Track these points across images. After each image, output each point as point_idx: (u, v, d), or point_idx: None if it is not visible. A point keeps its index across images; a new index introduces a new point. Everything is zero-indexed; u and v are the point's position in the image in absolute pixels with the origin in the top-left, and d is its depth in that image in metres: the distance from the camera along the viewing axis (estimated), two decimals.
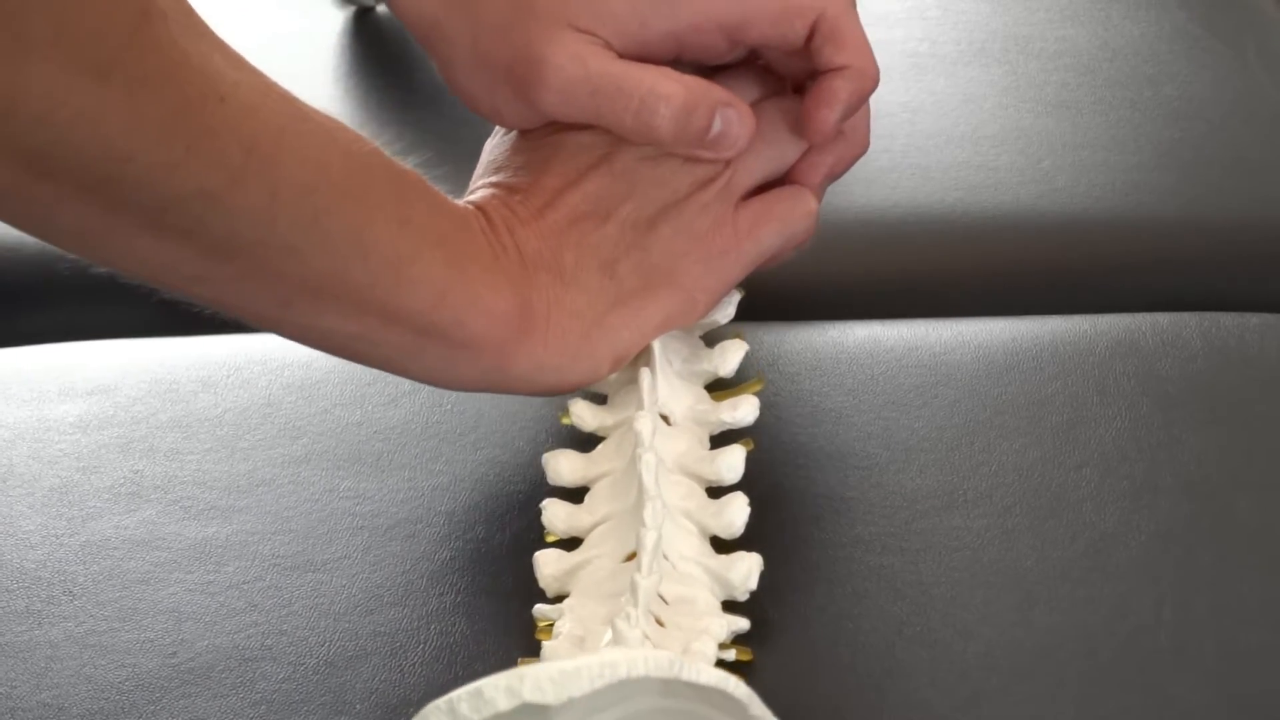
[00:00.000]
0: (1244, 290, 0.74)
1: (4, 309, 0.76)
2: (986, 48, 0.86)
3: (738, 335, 0.60)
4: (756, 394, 0.58)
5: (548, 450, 0.57)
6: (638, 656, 0.39)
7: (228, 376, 0.65)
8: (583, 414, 0.57)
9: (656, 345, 0.57)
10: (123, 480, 0.60)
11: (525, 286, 0.54)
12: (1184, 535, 0.56)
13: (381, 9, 0.92)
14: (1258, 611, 0.53)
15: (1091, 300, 0.71)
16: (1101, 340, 0.64)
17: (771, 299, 0.66)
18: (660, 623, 0.50)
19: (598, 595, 0.51)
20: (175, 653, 0.53)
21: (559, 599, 0.53)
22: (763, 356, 0.64)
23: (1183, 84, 0.83)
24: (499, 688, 0.38)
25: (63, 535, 0.58)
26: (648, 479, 0.52)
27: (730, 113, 0.56)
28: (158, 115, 0.44)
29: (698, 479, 0.55)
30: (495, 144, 0.59)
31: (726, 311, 0.61)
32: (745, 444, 0.56)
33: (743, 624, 0.52)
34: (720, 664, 0.50)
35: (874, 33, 0.88)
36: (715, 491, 0.55)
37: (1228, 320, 0.65)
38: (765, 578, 0.53)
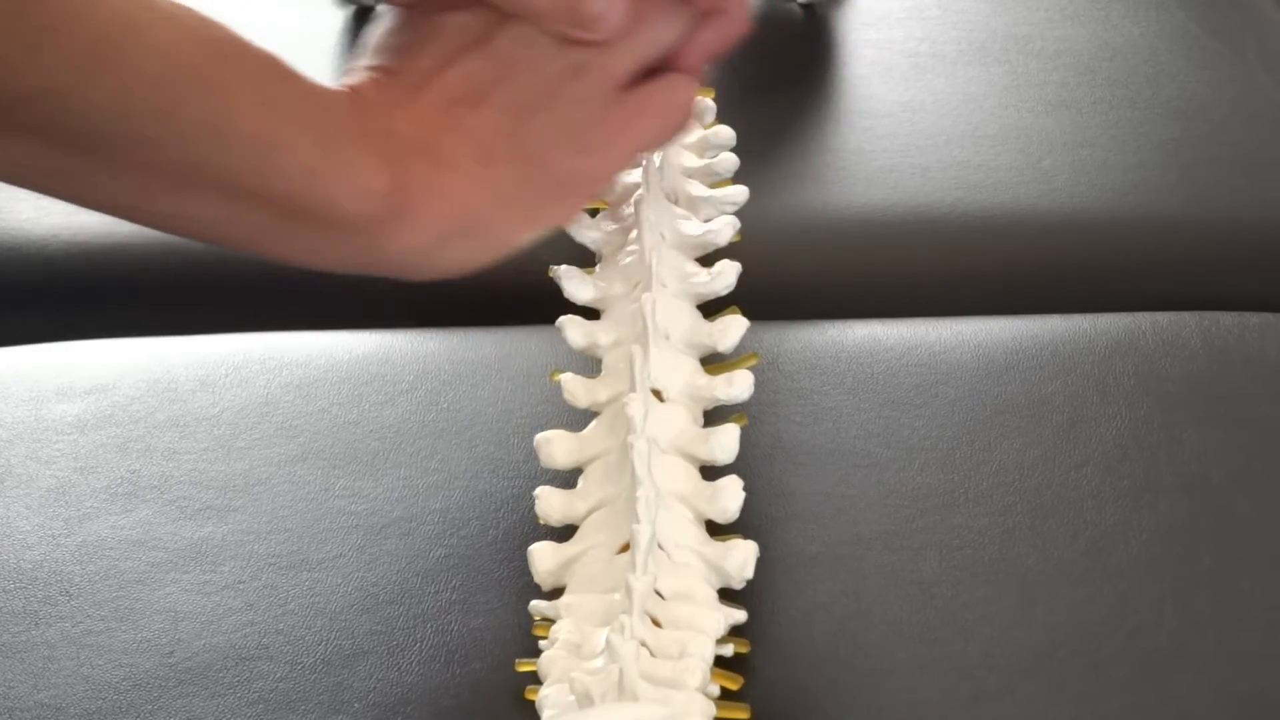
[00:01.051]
0: (1244, 290, 0.74)
1: (2, 309, 0.76)
2: (986, 48, 0.86)
3: (736, 310, 0.59)
4: (751, 369, 0.58)
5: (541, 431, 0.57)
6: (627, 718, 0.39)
7: (225, 376, 0.65)
8: (574, 390, 0.57)
9: (650, 317, 0.57)
10: (120, 480, 0.60)
11: (399, 169, 0.53)
12: (1184, 534, 0.56)
13: (381, 8, 0.91)
14: (1258, 611, 0.53)
15: (1091, 300, 0.71)
16: (1101, 340, 0.64)
17: (771, 298, 0.66)
18: (656, 622, 0.50)
19: (594, 589, 0.51)
20: (172, 652, 0.53)
21: (555, 593, 0.52)
22: (763, 355, 0.64)
23: (1183, 84, 0.83)
24: None
25: (60, 535, 0.58)
26: (640, 467, 0.52)
27: None
28: None
29: (691, 459, 0.55)
30: (379, 25, 0.58)
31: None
32: (739, 420, 0.56)
33: (740, 615, 0.51)
34: (718, 659, 0.50)
35: (874, 33, 0.88)
36: (709, 470, 0.55)
37: (1228, 320, 0.65)
38: (765, 576, 0.53)
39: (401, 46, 0.56)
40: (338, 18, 0.91)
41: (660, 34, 0.58)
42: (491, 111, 0.55)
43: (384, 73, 0.55)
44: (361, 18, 0.91)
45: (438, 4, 0.56)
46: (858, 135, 0.80)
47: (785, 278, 0.73)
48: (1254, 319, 0.66)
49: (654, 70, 0.58)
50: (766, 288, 0.65)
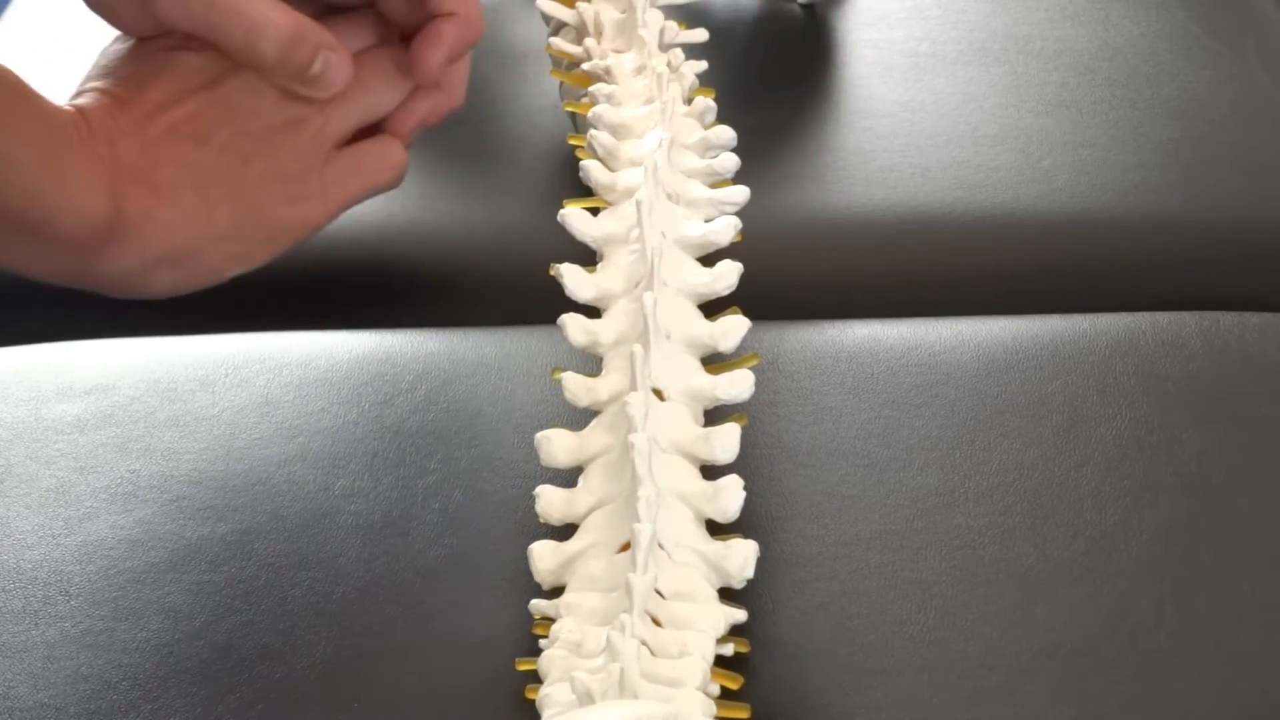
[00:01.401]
0: (1244, 290, 0.74)
1: (3, 309, 0.76)
2: (986, 48, 0.86)
3: (737, 310, 0.59)
4: (752, 369, 0.58)
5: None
6: (630, 716, 0.39)
7: (225, 376, 0.65)
8: (575, 389, 0.57)
9: (651, 316, 0.57)
10: (120, 480, 0.60)
11: (118, 195, 0.55)
12: (1184, 534, 0.56)
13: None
14: (1258, 611, 0.53)
15: (1091, 300, 0.71)
16: (1101, 340, 0.64)
17: (771, 298, 0.66)
18: (657, 621, 0.50)
19: (594, 588, 0.51)
20: (172, 652, 0.53)
21: (556, 592, 0.52)
22: (763, 355, 0.64)
23: (1183, 84, 0.83)
24: None
25: (60, 535, 0.58)
26: (640, 466, 0.52)
27: (332, 57, 0.59)
28: None
29: (692, 458, 0.55)
30: (110, 49, 0.61)
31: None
32: (739, 419, 0.56)
33: (740, 615, 0.51)
34: (719, 658, 0.50)
35: (874, 33, 0.88)
36: (709, 470, 0.55)
37: (1228, 320, 0.65)
38: (765, 576, 0.53)
39: (134, 76, 0.58)
40: None
41: (378, 100, 0.62)
42: (212, 151, 0.58)
43: (113, 99, 0.58)
44: None
45: (174, 41, 0.59)
46: (858, 135, 0.80)
47: (785, 278, 0.73)
48: (1254, 319, 0.66)
49: (368, 129, 0.62)
50: (766, 288, 0.65)
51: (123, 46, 0.60)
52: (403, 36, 0.62)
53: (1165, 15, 0.88)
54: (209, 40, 0.58)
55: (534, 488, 0.55)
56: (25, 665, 0.53)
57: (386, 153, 0.62)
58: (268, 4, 0.58)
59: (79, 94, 0.58)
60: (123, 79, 0.58)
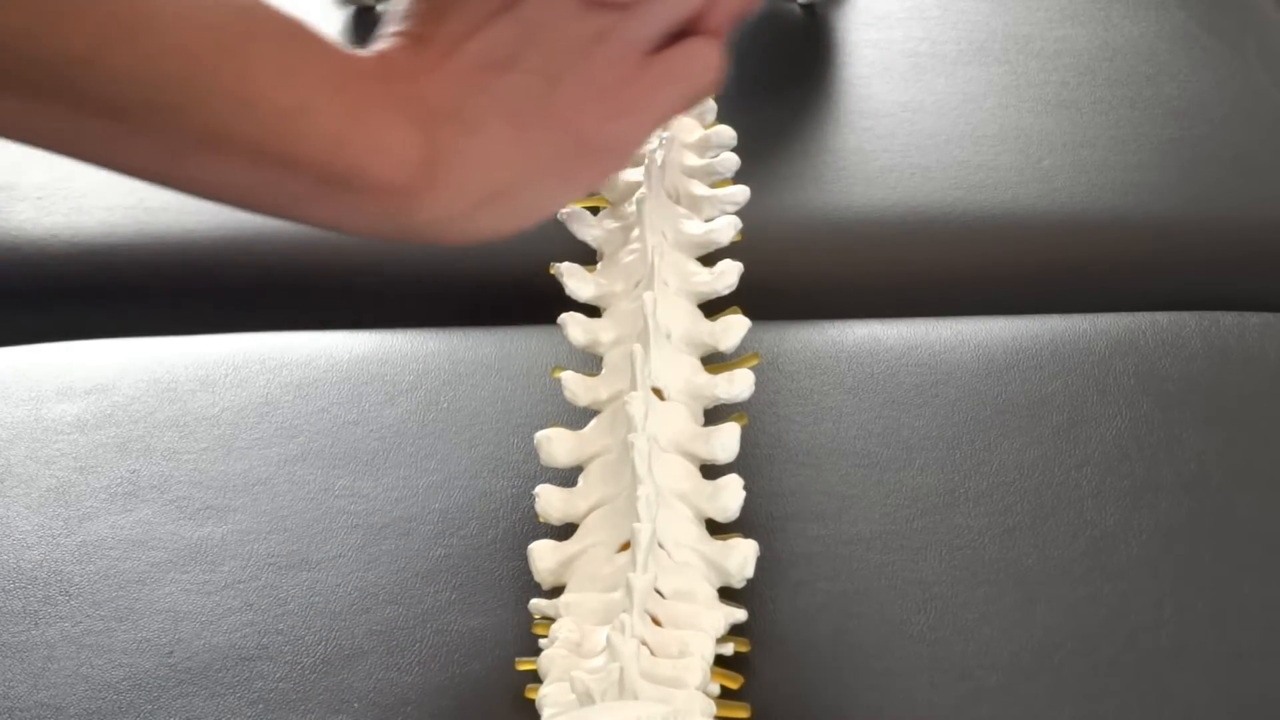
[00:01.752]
0: (1244, 290, 0.74)
1: (2, 309, 0.76)
2: (986, 48, 0.86)
3: (737, 310, 0.59)
4: (752, 369, 0.58)
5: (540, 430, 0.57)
6: (628, 717, 0.39)
7: (225, 376, 0.65)
8: (575, 388, 0.57)
9: (651, 316, 0.57)
10: (120, 480, 0.60)
11: (429, 135, 0.53)
12: (1184, 534, 0.56)
13: (381, 8, 0.92)
14: (1258, 611, 0.53)
15: (1091, 300, 0.71)
16: (1101, 340, 0.64)
17: (771, 298, 0.66)
18: (657, 621, 0.50)
19: (594, 588, 0.51)
20: (172, 652, 0.53)
21: (555, 591, 0.52)
22: (763, 355, 0.64)
23: (1183, 84, 0.83)
24: None
25: (59, 535, 0.58)
26: (640, 466, 0.52)
27: None
28: None
29: (692, 458, 0.55)
30: None
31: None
32: (739, 419, 0.56)
33: (740, 615, 0.51)
34: (719, 658, 0.50)
35: (874, 33, 0.88)
36: (709, 469, 0.55)
37: (1228, 320, 0.65)
38: (766, 576, 0.53)
39: (429, 12, 0.56)
40: (338, 18, 0.91)
41: None
42: (520, 76, 0.55)
43: (412, 39, 0.55)
44: (362, 18, 0.91)
45: None
46: (858, 135, 0.80)
47: (785, 278, 0.73)
48: (1254, 319, 0.66)
49: (678, 35, 0.58)
50: (766, 288, 0.65)
51: None
52: None
53: (1165, 15, 0.88)
54: None
55: (534, 487, 0.55)
56: (25, 665, 0.53)
57: (701, 53, 0.57)
58: None
59: (377, 41, 0.56)
60: (418, 18, 0.56)
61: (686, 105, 0.58)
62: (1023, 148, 0.78)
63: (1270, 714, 0.51)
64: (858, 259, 0.75)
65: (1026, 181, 0.76)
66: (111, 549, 0.57)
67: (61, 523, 0.58)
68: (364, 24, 0.91)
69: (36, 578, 0.56)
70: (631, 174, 0.64)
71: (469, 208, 0.54)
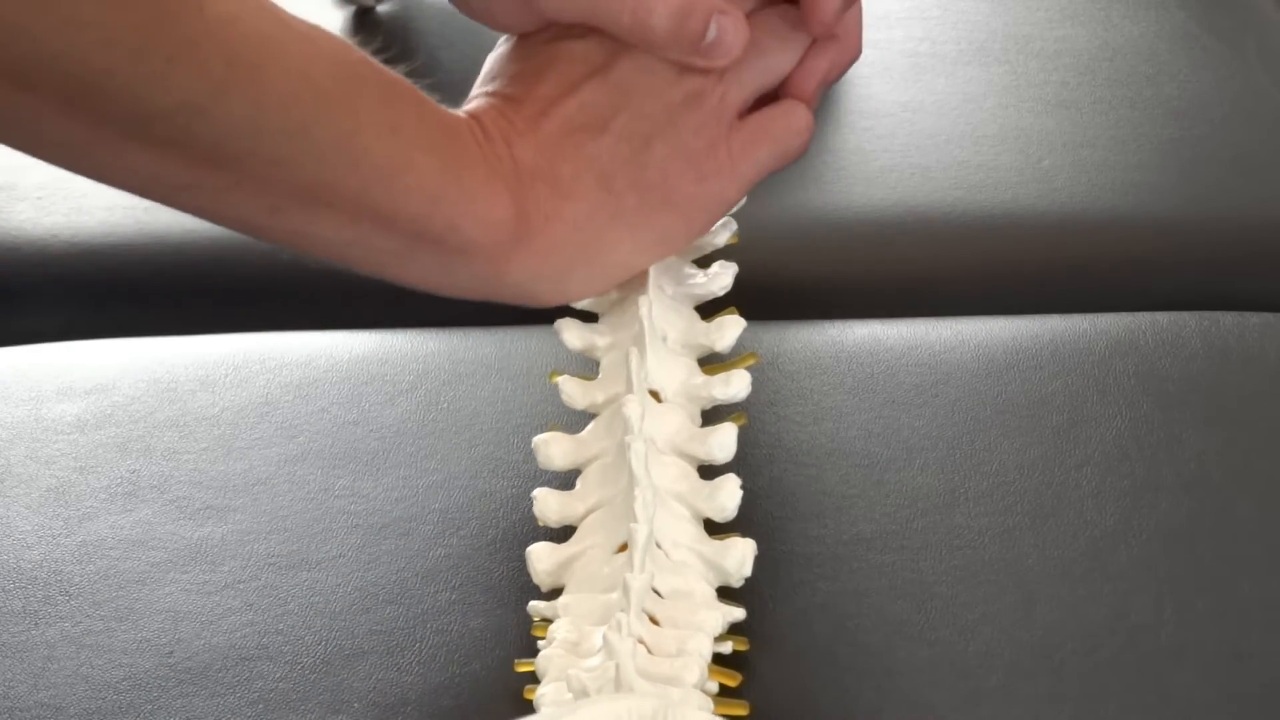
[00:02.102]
0: (1244, 290, 0.74)
1: (2, 309, 0.76)
2: (986, 48, 0.86)
3: (733, 310, 0.60)
4: (749, 369, 0.58)
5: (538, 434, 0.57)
6: (620, 709, 0.39)
7: (225, 376, 0.65)
8: (572, 392, 0.57)
9: (647, 318, 0.57)
10: (119, 480, 0.60)
11: (521, 195, 0.54)
12: (1184, 534, 0.56)
13: (382, 8, 0.92)
14: (1258, 611, 0.53)
15: (1091, 300, 0.71)
16: (1101, 340, 0.64)
17: (771, 298, 0.66)
18: (654, 620, 0.50)
19: (592, 589, 0.51)
20: (172, 652, 0.53)
21: (554, 593, 0.52)
22: (763, 355, 0.64)
23: (1183, 84, 0.83)
24: None
25: (59, 535, 0.58)
26: (637, 467, 0.52)
27: (725, 20, 0.56)
28: (132, 27, 0.44)
29: (689, 458, 0.55)
30: (494, 55, 0.59)
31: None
32: (737, 419, 0.56)
33: (738, 614, 0.51)
34: (717, 657, 0.50)
35: (874, 33, 0.88)
36: (707, 470, 0.55)
37: (1228, 320, 0.65)
38: (765, 576, 0.53)
39: (521, 73, 0.56)
40: (337, 18, 0.91)
41: (776, 61, 0.58)
42: (612, 139, 0.55)
43: (505, 99, 0.56)
44: (362, 18, 0.91)
45: (555, 32, 0.57)
46: (858, 135, 0.80)
47: (785, 278, 0.73)
48: (1254, 319, 0.66)
49: (768, 97, 0.59)
50: (766, 288, 0.65)
51: (505, 48, 0.58)
52: None
53: (1165, 15, 0.88)
54: (595, 26, 0.56)
55: (534, 488, 0.55)
56: (25, 665, 0.53)
57: (792, 116, 0.59)
58: None
59: (469, 101, 0.57)
60: (511, 78, 0.56)
61: (776, 166, 0.59)
62: (1023, 148, 0.78)
63: (1270, 714, 0.51)
64: (858, 259, 0.75)
65: (1026, 181, 0.76)
66: (111, 549, 0.57)
67: (61, 523, 0.58)
68: (364, 24, 0.91)
69: (36, 578, 0.56)
70: None
71: (560, 268, 0.55)
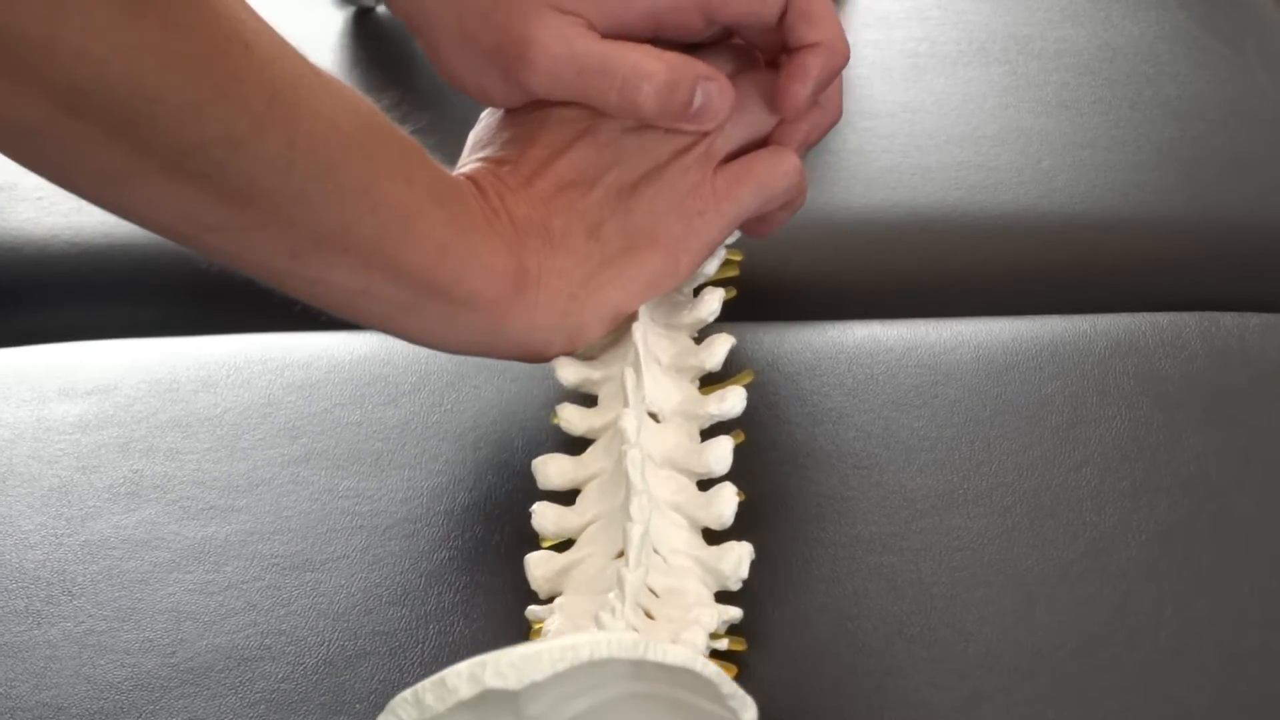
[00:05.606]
0: (1244, 290, 0.74)
1: (4, 309, 0.76)
2: (986, 48, 0.86)
3: (723, 331, 0.60)
4: (746, 386, 0.58)
5: (540, 454, 0.57)
6: (602, 639, 0.39)
7: (227, 376, 0.65)
8: (571, 418, 0.58)
9: (640, 343, 0.57)
10: (122, 480, 0.60)
11: (518, 249, 0.55)
12: (1184, 535, 0.56)
13: (381, 9, 0.92)
14: (1258, 611, 0.53)
15: (1091, 300, 0.71)
16: (1101, 340, 0.64)
17: (771, 299, 0.66)
18: (650, 616, 0.50)
19: (589, 592, 0.51)
20: (174, 652, 0.53)
21: (552, 600, 0.52)
22: (762, 356, 0.64)
23: (1183, 84, 0.83)
24: (462, 676, 0.38)
25: (62, 535, 0.58)
26: (634, 474, 0.52)
27: (711, 86, 0.58)
28: (188, 55, 0.45)
29: (687, 473, 0.55)
30: (482, 123, 0.61)
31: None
32: (735, 436, 0.56)
33: (735, 613, 0.52)
34: (714, 654, 0.50)
35: (874, 33, 0.88)
36: (706, 485, 0.55)
37: (1228, 320, 0.65)
38: (764, 576, 0.53)
39: (513, 139, 0.59)
40: (338, 18, 0.91)
41: (759, 119, 0.60)
42: (601, 192, 0.58)
43: (497, 163, 0.58)
44: (361, 18, 0.91)
45: (542, 102, 0.59)
46: (858, 135, 0.80)
47: (785, 278, 0.73)
48: (1254, 319, 0.66)
49: (755, 145, 0.61)
50: (766, 288, 0.65)
51: (493, 119, 0.60)
52: (768, 61, 0.62)
53: (1165, 15, 0.88)
54: (585, 104, 0.58)
55: (537, 491, 0.55)
56: (27, 665, 0.53)
57: (777, 157, 0.60)
58: (637, 53, 0.57)
59: (461, 167, 0.58)
60: (502, 144, 0.59)
61: (762, 207, 0.61)
62: (1023, 148, 0.78)
63: (1270, 714, 0.51)
64: (858, 259, 0.75)
65: (1026, 181, 0.77)
66: (114, 549, 0.57)
67: (64, 523, 0.58)
68: (364, 25, 0.91)
69: (39, 577, 0.56)
70: None
71: (555, 318, 0.56)
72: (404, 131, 0.54)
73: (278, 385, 0.64)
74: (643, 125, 0.58)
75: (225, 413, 0.63)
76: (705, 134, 0.59)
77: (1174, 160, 0.78)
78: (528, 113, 0.59)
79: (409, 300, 0.54)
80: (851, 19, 0.89)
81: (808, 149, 0.62)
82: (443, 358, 0.65)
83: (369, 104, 0.52)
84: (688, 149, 0.59)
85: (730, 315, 0.62)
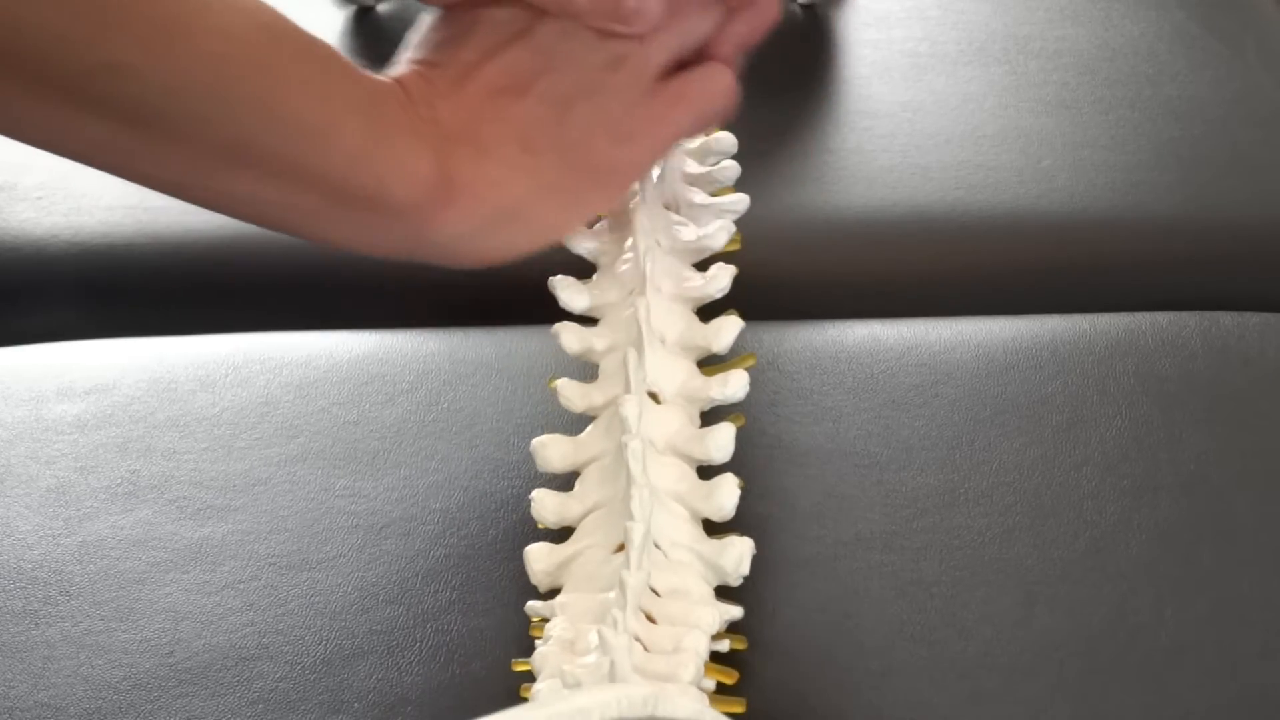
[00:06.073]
0: (1244, 290, 0.74)
1: (2, 309, 0.76)
2: (986, 48, 0.86)
3: (731, 311, 0.60)
4: (747, 369, 0.58)
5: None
6: (610, 699, 0.39)
7: (225, 376, 0.65)
8: (571, 395, 0.57)
9: (644, 321, 0.57)
10: (120, 480, 0.60)
11: (444, 156, 0.54)
12: (1184, 534, 0.56)
13: (382, 8, 0.92)
14: (1258, 611, 0.53)
15: (1091, 300, 0.71)
16: (1101, 340, 0.64)
17: (771, 298, 0.66)
18: (651, 618, 0.50)
19: (589, 588, 0.51)
20: (172, 652, 0.53)
21: (552, 594, 0.52)
22: (763, 355, 0.64)
23: (1183, 84, 0.83)
24: None
25: (60, 535, 0.58)
26: (635, 467, 0.52)
27: None
28: None
29: (687, 459, 0.55)
30: (421, 25, 0.60)
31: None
32: (736, 420, 0.56)
33: (736, 612, 0.51)
34: (714, 655, 0.50)
35: (874, 33, 0.88)
36: (706, 470, 0.55)
37: (1228, 320, 0.65)
38: (764, 575, 0.53)
39: (443, 40, 0.57)
40: (338, 18, 0.91)
41: (695, 26, 0.59)
42: (533, 102, 0.56)
43: (427, 65, 0.57)
44: (362, 17, 0.91)
45: (479, 2, 0.58)
46: (858, 135, 0.80)
47: (785, 278, 0.73)
48: (1254, 319, 0.66)
49: (690, 62, 0.59)
50: (766, 288, 0.65)
51: (432, 18, 0.59)
52: None
53: (1165, 15, 0.88)
54: (520, 3, 0.57)
55: (534, 488, 0.55)
56: (25, 665, 0.53)
57: (712, 78, 0.59)
58: None
59: (394, 68, 0.57)
60: (433, 46, 0.57)
61: (695, 130, 0.60)
62: (1023, 148, 0.78)
63: (1270, 714, 0.51)
64: (858, 259, 0.75)
65: (1026, 181, 0.76)
66: (112, 549, 0.57)
67: (62, 522, 0.58)
68: (364, 24, 0.91)
69: (37, 577, 0.56)
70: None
71: (481, 227, 0.55)
72: (319, 40, 0.53)
73: (275, 385, 0.64)
74: (576, 31, 0.57)
75: (223, 412, 0.63)
76: (639, 42, 0.57)
77: (1174, 160, 0.78)
78: (464, 12, 0.58)
79: (325, 209, 0.53)
80: (851, 19, 0.89)
81: (745, 51, 0.61)
82: (440, 357, 0.65)
83: (280, 17, 0.51)
84: (621, 61, 0.57)
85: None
